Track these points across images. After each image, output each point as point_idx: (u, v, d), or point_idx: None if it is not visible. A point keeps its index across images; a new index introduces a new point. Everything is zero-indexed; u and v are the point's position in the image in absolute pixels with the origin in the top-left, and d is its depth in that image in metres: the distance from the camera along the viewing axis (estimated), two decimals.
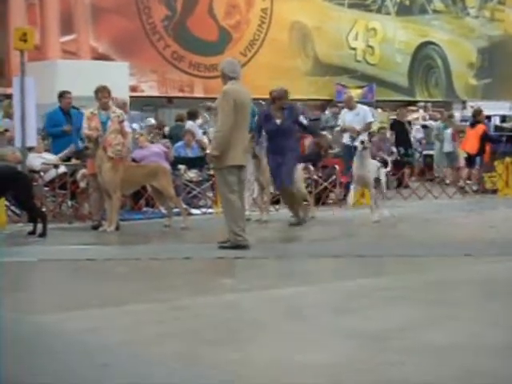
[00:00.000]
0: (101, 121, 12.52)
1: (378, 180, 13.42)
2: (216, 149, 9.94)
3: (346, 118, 15.91)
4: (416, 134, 23.99)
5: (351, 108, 16.00)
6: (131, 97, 20.04)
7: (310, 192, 14.92)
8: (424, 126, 25.03)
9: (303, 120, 13.57)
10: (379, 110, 27.16)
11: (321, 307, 6.71)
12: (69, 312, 6.57)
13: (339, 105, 20.59)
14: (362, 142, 12.99)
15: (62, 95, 14.84)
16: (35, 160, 13.74)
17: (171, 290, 7.60)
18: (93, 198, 12.66)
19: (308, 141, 17.35)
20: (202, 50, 26.08)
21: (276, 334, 5.83)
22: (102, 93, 12.67)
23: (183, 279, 8.41)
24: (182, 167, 15.56)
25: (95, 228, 12.32)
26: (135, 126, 15.58)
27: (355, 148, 13.42)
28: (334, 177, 16.47)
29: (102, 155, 12.14)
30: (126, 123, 12.97)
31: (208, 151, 10.81)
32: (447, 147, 21.45)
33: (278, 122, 12.88)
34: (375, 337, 5.57)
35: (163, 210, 14.33)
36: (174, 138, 17.23)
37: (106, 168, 12.08)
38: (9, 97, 21.27)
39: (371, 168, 13.17)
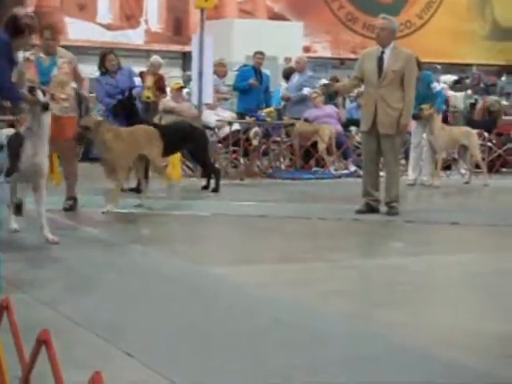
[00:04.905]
0: (40, 69, 9.15)
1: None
2: (410, 116, 9.88)
3: None
4: None
5: None
6: None
7: (484, 159, 14.59)
8: None
9: None
10: None
11: (494, 275, 6.58)
12: (241, 266, 6.72)
13: None
14: None
15: (254, 55, 15.01)
16: (210, 117, 14.04)
17: (339, 249, 7.63)
18: None
19: (479, 105, 16.94)
20: (377, 11, 25.61)
21: (447, 300, 5.78)
22: (49, 31, 9.17)
23: (350, 240, 8.42)
24: (353, 129, 15.53)
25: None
26: (307, 89, 15.52)
27: None
28: (509, 144, 16.04)
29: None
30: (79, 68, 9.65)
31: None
32: None
33: None
34: None
35: (333, 171, 14.42)
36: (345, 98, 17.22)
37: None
38: (185, 55, 21.81)
39: None
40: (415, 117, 12.86)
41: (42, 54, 9.18)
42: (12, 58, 6.66)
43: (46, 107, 7.00)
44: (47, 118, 7.11)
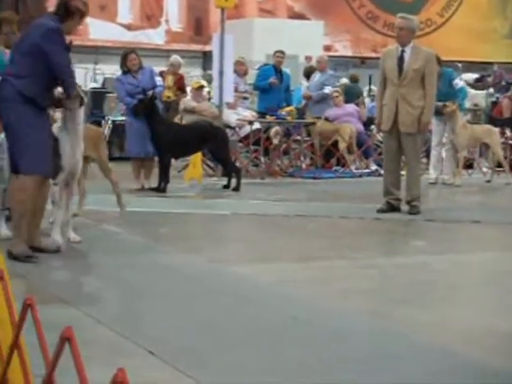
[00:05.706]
0: (2, 63, 7.68)
1: None
2: (431, 114, 9.86)
3: None
4: None
5: None
6: None
7: (505, 157, 14.51)
8: None
9: None
10: None
11: None
12: (261, 264, 6.73)
13: None
14: None
15: (274, 54, 15.01)
16: (231, 116, 14.06)
17: (360, 248, 7.62)
18: None
19: (506, 102, 16.82)
20: (397, 9, 25.58)
21: (469, 298, 5.77)
22: (8, 25, 8.34)
23: (372, 239, 8.40)
24: (374, 127, 15.49)
25: None
26: (328, 87, 15.45)
27: None
28: None
29: None
30: None
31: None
32: None
33: None
34: None
35: (354, 170, 14.39)
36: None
37: None
38: (206, 54, 21.86)
39: None
40: (437, 111, 12.79)
41: (1, 47, 8.34)
42: (66, 43, 6.60)
43: (82, 103, 6.97)
44: (81, 115, 7.08)
